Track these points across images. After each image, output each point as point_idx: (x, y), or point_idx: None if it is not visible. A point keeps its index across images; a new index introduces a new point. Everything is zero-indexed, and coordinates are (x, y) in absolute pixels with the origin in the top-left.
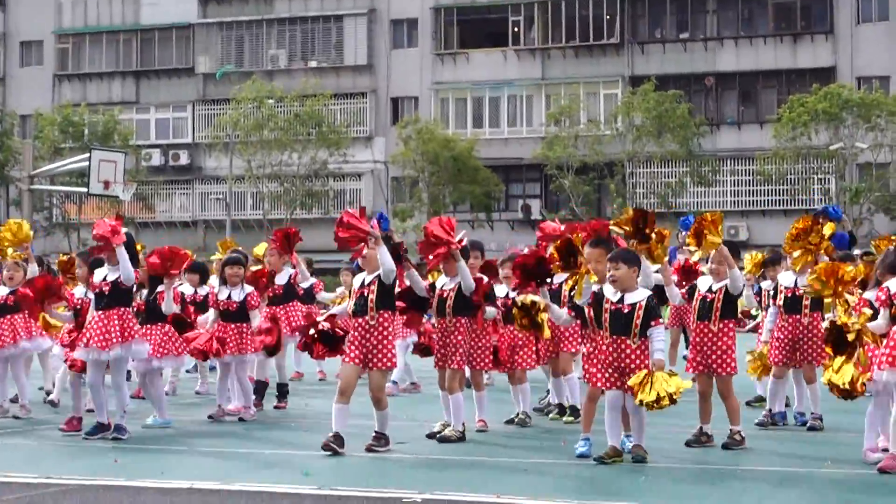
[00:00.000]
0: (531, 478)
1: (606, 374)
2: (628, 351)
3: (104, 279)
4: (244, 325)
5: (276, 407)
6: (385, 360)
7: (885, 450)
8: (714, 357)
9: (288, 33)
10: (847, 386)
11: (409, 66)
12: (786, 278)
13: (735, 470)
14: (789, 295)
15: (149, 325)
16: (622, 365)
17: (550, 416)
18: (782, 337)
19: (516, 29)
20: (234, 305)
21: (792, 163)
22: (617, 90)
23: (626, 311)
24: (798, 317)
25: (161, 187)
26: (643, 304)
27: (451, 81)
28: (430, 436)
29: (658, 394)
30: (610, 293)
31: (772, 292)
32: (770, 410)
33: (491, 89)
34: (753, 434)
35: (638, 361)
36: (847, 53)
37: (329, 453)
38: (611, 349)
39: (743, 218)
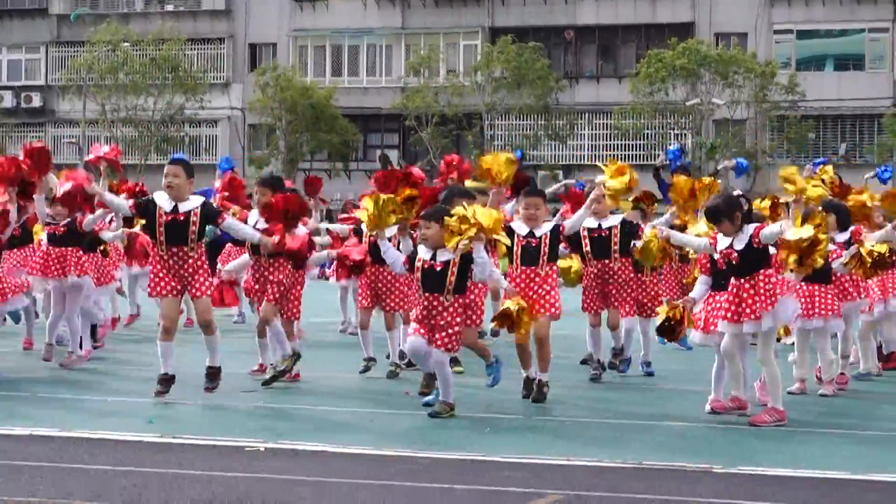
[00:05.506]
0: (377, 429)
1: (418, 326)
2: (440, 308)
3: None
4: (70, 249)
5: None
6: (203, 287)
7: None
8: (539, 300)
9: None
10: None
11: (267, 11)
12: (589, 222)
13: (589, 423)
14: (595, 236)
15: None
16: (433, 322)
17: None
18: (591, 283)
19: None
20: (62, 229)
21: (649, 118)
22: (477, 41)
23: (438, 268)
24: (607, 261)
25: (13, 130)
26: (457, 261)
27: (311, 28)
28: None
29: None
30: (422, 251)
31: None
32: (598, 361)
33: (350, 37)
34: (594, 387)
35: (449, 318)
36: (706, 10)
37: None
38: (424, 304)
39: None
